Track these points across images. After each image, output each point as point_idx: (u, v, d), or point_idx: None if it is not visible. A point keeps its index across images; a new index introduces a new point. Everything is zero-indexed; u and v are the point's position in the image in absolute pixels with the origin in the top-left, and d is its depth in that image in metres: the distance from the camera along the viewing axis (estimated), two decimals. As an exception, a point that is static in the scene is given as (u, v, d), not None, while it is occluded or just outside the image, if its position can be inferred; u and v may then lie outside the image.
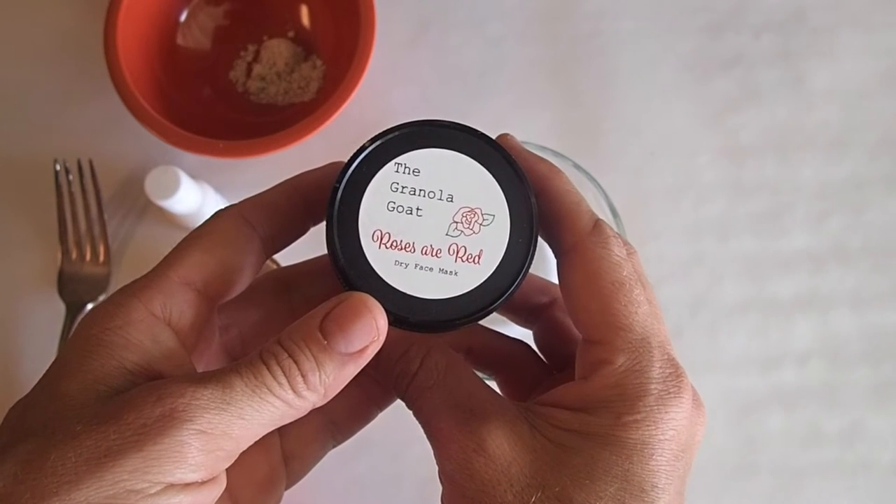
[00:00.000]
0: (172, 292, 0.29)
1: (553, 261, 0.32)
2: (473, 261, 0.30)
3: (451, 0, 0.68)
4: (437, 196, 0.30)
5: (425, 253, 0.30)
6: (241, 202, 0.32)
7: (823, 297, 0.62)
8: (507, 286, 0.30)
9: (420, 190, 0.30)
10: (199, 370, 0.31)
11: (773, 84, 0.66)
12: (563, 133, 0.65)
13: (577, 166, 0.52)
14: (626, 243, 0.31)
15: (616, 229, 0.52)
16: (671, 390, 0.29)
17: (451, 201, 0.30)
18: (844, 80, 0.66)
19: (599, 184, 0.52)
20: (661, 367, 0.29)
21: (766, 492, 0.59)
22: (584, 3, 0.68)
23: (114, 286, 0.62)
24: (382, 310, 0.29)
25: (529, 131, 0.65)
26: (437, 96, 0.67)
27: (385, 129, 0.30)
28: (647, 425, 0.28)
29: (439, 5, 0.68)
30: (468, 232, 0.30)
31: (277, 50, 0.67)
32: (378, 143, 0.30)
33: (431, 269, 0.30)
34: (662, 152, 0.65)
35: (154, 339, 0.28)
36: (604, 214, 0.52)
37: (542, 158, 0.32)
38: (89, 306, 0.62)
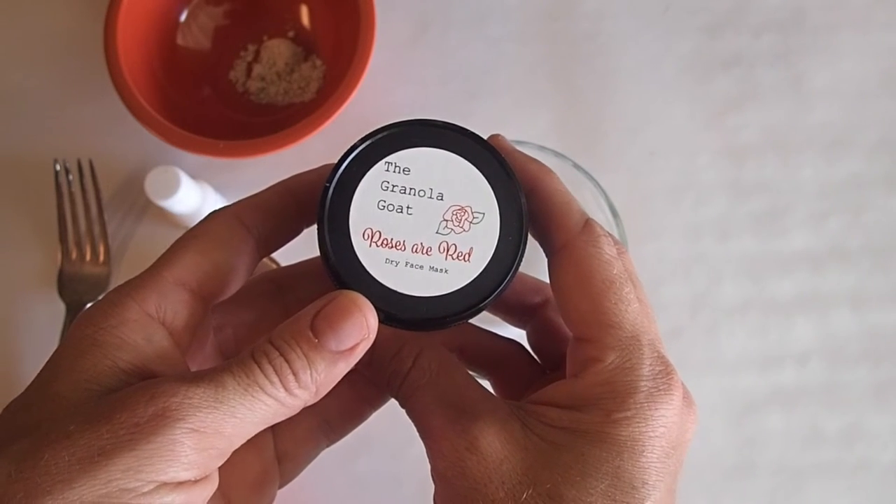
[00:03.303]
0: (167, 292, 0.29)
1: (546, 260, 0.32)
2: (463, 259, 0.30)
3: (451, 0, 0.68)
4: (428, 194, 0.30)
5: (416, 251, 0.30)
6: (235, 203, 0.32)
7: (823, 297, 0.62)
8: (496, 284, 0.30)
9: (410, 188, 0.30)
10: (193, 370, 0.32)
11: (773, 84, 0.66)
12: (563, 133, 0.65)
13: (576, 166, 0.52)
14: (616, 242, 0.31)
15: (616, 229, 0.52)
16: (661, 387, 0.29)
17: (442, 200, 0.30)
18: (844, 80, 0.66)
19: (599, 184, 0.52)
20: (651, 365, 0.29)
21: (766, 492, 0.58)
22: (584, 3, 0.68)
23: (113, 286, 0.62)
24: (372, 307, 0.29)
25: (529, 131, 0.65)
26: (437, 96, 0.67)
27: (375, 128, 0.30)
28: (637, 422, 0.28)
29: (439, 5, 0.68)
30: (458, 230, 0.30)
31: (277, 50, 0.67)
32: (368, 142, 0.30)
33: (422, 267, 0.30)
34: (662, 152, 0.65)
35: (148, 339, 0.29)
36: (604, 214, 0.52)
37: (532, 158, 0.32)
38: (89, 306, 0.62)
